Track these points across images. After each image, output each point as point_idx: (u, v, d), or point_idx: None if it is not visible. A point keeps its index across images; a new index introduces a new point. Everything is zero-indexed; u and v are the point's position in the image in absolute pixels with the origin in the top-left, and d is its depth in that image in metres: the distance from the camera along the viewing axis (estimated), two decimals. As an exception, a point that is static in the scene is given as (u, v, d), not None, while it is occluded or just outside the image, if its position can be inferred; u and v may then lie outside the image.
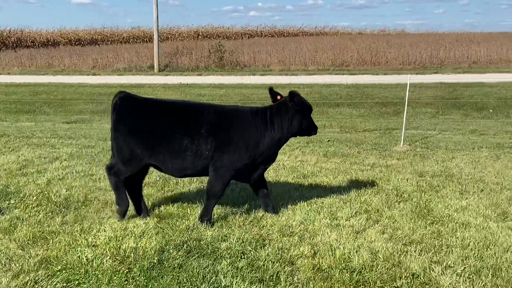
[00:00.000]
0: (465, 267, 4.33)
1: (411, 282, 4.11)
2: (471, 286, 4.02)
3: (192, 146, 5.18)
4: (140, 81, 24.49)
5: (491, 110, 14.83)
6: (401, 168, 8.07)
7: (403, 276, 4.19)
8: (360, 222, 5.44)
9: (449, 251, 4.70)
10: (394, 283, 4.10)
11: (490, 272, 4.24)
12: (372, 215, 5.70)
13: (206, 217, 5.38)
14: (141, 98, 5.51)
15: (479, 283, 4.07)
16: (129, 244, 4.73)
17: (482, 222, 5.46)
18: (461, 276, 4.17)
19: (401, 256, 4.58)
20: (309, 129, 5.62)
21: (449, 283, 4.06)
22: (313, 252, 4.66)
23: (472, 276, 4.18)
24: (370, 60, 31.81)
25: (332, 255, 4.59)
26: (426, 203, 6.13)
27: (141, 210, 5.62)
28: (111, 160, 5.50)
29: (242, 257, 4.56)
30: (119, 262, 4.40)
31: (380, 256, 4.57)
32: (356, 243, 4.86)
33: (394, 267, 4.37)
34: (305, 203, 6.11)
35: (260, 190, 5.74)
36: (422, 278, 4.17)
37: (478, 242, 4.88)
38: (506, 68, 28.53)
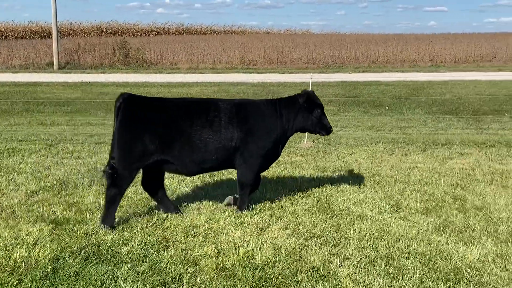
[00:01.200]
0: (361, 258, 4.54)
1: (311, 276, 4.23)
2: (366, 276, 4.22)
3: (214, 139, 5.37)
4: (38, 79, 23.07)
5: (387, 107, 15.77)
6: (304, 164, 8.31)
7: (304, 270, 4.31)
8: (264, 219, 5.52)
9: (347, 243, 4.90)
10: (295, 278, 4.20)
11: (384, 261, 4.48)
12: (276, 212, 5.80)
13: (244, 205, 5.77)
14: (147, 97, 5.67)
15: (373, 272, 4.28)
16: (20, 253, 4.42)
17: (377, 214, 5.77)
18: (357, 266, 4.37)
19: (303, 251, 4.70)
20: (319, 128, 5.88)
21: (347, 274, 4.24)
22: (217, 252, 4.65)
23: (367, 266, 4.39)
24: (276, 59, 32.52)
25: (236, 253, 4.61)
26: (327, 198, 6.36)
27: (170, 209, 5.69)
28: (107, 167, 5.26)
29: (144, 260, 4.44)
30: (8, 273, 4.09)
31: (283, 252, 4.66)
32: (260, 240, 4.92)
33: (296, 261, 4.48)
34: (210, 202, 6.08)
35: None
36: (321, 270, 4.31)
37: (374, 233, 5.14)
38: (400, 68, 30.51)
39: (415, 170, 7.94)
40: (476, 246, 4.82)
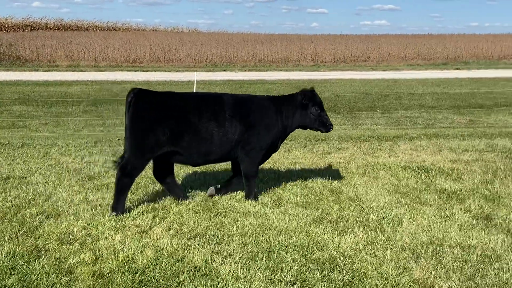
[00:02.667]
0: (243, 254, 4.61)
1: (193, 275, 4.21)
2: (248, 271, 4.30)
3: (219, 132, 5.73)
4: None
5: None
6: (189, 164, 8.24)
7: (186, 270, 4.27)
8: (146, 221, 5.39)
9: (230, 240, 4.95)
10: (177, 279, 4.15)
11: (264, 256, 4.60)
12: (159, 213, 5.69)
13: (251, 195, 6.18)
14: (157, 91, 5.97)
15: (254, 267, 4.37)
16: None
17: (260, 209, 5.89)
18: (239, 263, 4.43)
19: (185, 251, 4.66)
20: (318, 125, 6.23)
21: (228, 271, 4.27)
22: (94, 258, 4.44)
23: (249, 262, 4.47)
24: (163, 57, 32.03)
25: (115, 258, 4.44)
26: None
27: (180, 196, 6.07)
28: (120, 159, 5.70)
29: (12, 273, 4.10)
30: None
31: (165, 253, 4.58)
32: (141, 242, 4.79)
33: (178, 262, 4.43)
34: (89, 206, 5.81)
35: (236, 174, 6.40)
36: (203, 270, 4.31)
37: (256, 229, 5.25)
38: (285, 67, 31.63)
39: (297, 165, 8.25)
40: (349, 235, 5.12)
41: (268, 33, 50.34)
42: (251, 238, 5.00)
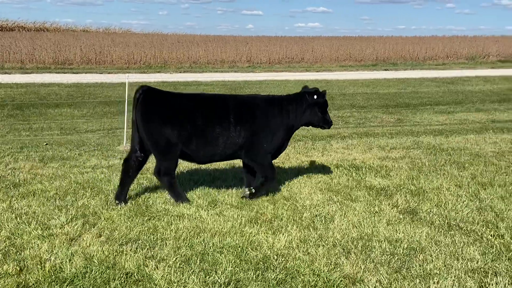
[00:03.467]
0: (176, 258, 4.56)
1: (124, 282, 4.11)
2: (181, 275, 4.25)
3: (224, 134, 5.86)
4: None
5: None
6: (122, 168, 8.04)
7: (117, 277, 4.16)
8: (75, 228, 5.20)
9: (164, 244, 4.88)
10: (108, 286, 4.04)
11: (199, 258, 4.57)
12: (89, 219, 5.51)
13: (260, 193, 6.29)
14: (165, 91, 6.10)
15: (188, 270, 4.33)
16: None
17: (194, 212, 5.85)
18: (172, 267, 4.37)
19: (117, 257, 4.54)
20: (323, 122, 6.43)
21: (161, 276, 4.21)
22: (19, 269, 4.23)
23: (183, 265, 4.42)
24: (95, 59, 31.07)
25: (41, 268, 4.25)
26: (145, 200, 6.26)
27: (125, 198, 6.08)
28: (133, 154, 5.96)
29: None
30: None
31: (95, 261, 4.44)
32: (70, 251, 4.62)
33: (109, 269, 4.30)
34: (14, 215, 5.52)
35: (249, 172, 6.51)
36: (136, 275, 4.22)
37: (190, 232, 5.20)
38: (220, 68, 31.62)
39: (233, 166, 8.26)
40: (283, 234, 5.19)
41: (204, 34, 50.17)
42: (185, 241, 4.95)
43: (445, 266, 4.46)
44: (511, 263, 4.49)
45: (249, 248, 4.81)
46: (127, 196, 6.18)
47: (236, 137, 5.98)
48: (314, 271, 4.38)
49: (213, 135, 5.89)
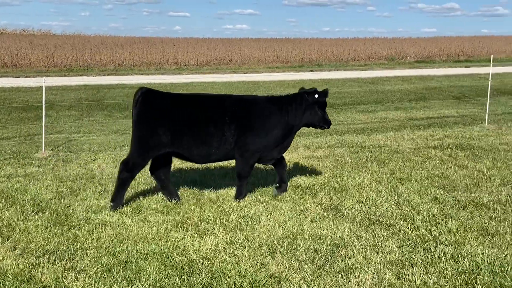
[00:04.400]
0: (98, 267, 4.40)
1: (41, 296, 3.91)
2: (103, 285, 4.11)
3: (217, 133, 5.90)
4: None
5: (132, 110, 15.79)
6: (41, 176, 7.67)
7: (33, 292, 3.95)
8: (-13, 242, 4.88)
9: (84, 254, 4.70)
10: (22, 302, 3.82)
11: (121, 267, 4.43)
12: (3, 231, 5.21)
13: (240, 196, 6.33)
14: (163, 91, 6.17)
15: (110, 280, 4.19)
16: None
17: (118, 219, 5.68)
18: (93, 277, 4.21)
19: (33, 270, 4.31)
20: (323, 122, 6.44)
21: (82, 287, 4.05)
22: None
23: (104, 275, 4.28)
24: (11, 62, 29.44)
25: None
26: (65, 209, 6.00)
27: (173, 196, 6.30)
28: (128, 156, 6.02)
29: None
30: None
31: (9, 275, 4.20)
32: (-20, 267, 4.33)
33: (24, 283, 4.08)
34: None
35: (278, 167, 6.61)
36: (54, 288, 4.02)
37: (113, 239, 5.04)
38: (147, 70, 31.02)
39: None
40: (209, 237, 5.16)
41: (129, 36, 48.89)
42: (107, 250, 4.79)
43: (365, 260, 4.63)
44: (426, 253, 4.73)
45: (175, 253, 4.74)
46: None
47: (231, 136, 6.00)
48: (240, 272, 4.39)
49: (208, 135, 5.94)
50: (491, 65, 13.90)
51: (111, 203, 5.98)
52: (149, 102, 5.93)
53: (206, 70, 32.39)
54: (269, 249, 4.90)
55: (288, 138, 6.47)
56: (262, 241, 5.08)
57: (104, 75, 27.60)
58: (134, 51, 35.11)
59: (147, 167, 6.39)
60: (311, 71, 32.11)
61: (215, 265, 4.53)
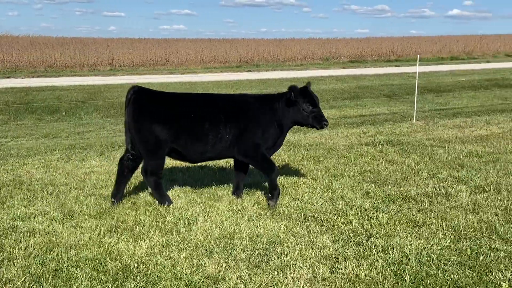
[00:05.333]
0: (25, 277, 4.21)
1: (-38, 312, 3.68)
2: (31, 295, 3.93)
3: (213, 131, 5.91)
4: None
5: (64, 113, 15.23)
6: (-37, 184, 7.23)
7: (-47, 307, 3.71)
8: None
9: (11, 264, 4.48)
10: None
11: (51, 276, 4.26)
12: None
13: (275, 191, 6.11)
14: (155, 90, 6.26)
15: (39, 290, 4.02)
16: None
17: (47, 226, 5.46)
18: (20, 287, 4.02)
19: (-47, 285, 4.05)
20: (313, 121, 6.12)
21: (7, 299, 3.85)
22: None
23: (32, 285, 4.10)
24: None
25: None
26: (-10, 218, 5.69)
27: (121, 197, 6.31)
28: (126, 154, 6.14)
29: None
30: None
31: None
32: None
33: None
34: None
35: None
36: (-24, 303, 3.80)
37: (42, 248, 4.84)
38: (80, 72, 30.01)
39: (92, 174, 7.88)
40: (144, 240, 5.06)
41: (60, 37, 47.11)
42: (36, 259, 4.59)
43: (300, 256, 4.70)
44: (358, 247, 4.88)
45: (108, 259, 4.61)
46: (122, 196, 6.36)
47: (226, 134, 5.98)
48: (176, 275, 4.34)
49: (203, 132, 5.93)
50: (417, 64, 14.56)
51: (162, 205, 6.10)
52: (142, 101, 5.96)
53: (142, 71, 31.78)
54: (206, 249, 4.88)
55: (280, 137, 6.40)
56: (199, 242, 5.05)
57: (33, 77, 26.41)
58: (66, 52, 33.88)
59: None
60: (248, 71, 32.28)
61: (150, 268, 4.45)
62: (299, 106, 6.14)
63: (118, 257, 4.68)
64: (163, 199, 6.16)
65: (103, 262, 4.54)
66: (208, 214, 5.87)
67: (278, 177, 6.36)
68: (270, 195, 6.18)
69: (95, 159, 9.08)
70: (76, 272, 4.33)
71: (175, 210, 6.03)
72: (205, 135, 6.02)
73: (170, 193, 6.74)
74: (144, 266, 4.50)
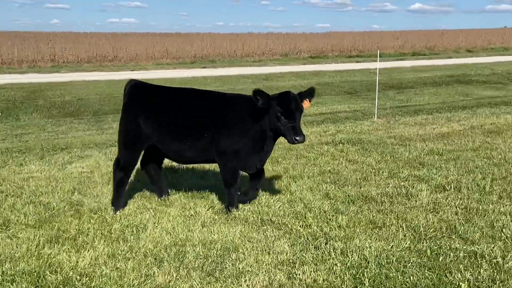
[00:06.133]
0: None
1: None
2: (-40, 315, 3.78)
3: (191, 130, 5.89)
4: None
5: (1, 113, 14.73)
6: None
7: None
8: None
9: None
10: None
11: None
12: None
13: (232, 206, 6.05)
14: (150, 84, 6.35)
15: (-31, 308, 3.87)
16: None
17: (-20, 238, 5.26)
18: None
19: None
20: (285, 133, 5.60)
21: None
22: None
23: (-39, 303, 3.94)
24: None
25: None
26: None
27: (163, 192, 6.61)
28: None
29: None
30: None
31: None
32: None
33: None
34: None
35: (254, 180, 6.33)
36: None
37: (-27, 262, 4.66)
38: (19, 69, 29.16)
39: (30, 180, 7.65)
40: (88, 251, 4.96)
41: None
42: (-34, 275, 4.41)
43: (256, 262, 4.72)
44: (316, 251, 4.94)
45: (47, 272, 4.50)
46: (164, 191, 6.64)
47: (205, 133, 5.89)
48: (122, 286, 4.27)
49: (182, 130, 5.94)
50: (378, 60, 14.89)
51: (112, 207, 6.14)
52: (134, 95, 6.19)
53: (88, 68, 31.12)
54: (156, 258, 4.82)
55: (266, 144, 5.97)
56: (148, 250, 4.99)
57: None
58: (2, 47, 32.80)
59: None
60: (203, 67, 32.15)
61: (95, 281, 4.37)
62: (272, 114, 5.67)
63: (59, 269, 4.57)
64: (116, 201, 6.19)
65: (42, 275, 4.42)
66: (158, 221, 5.81)
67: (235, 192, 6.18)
68: (226, 209, 6.11)
69: (34, 164, 8.82)
70: (12, 287, 4.19)
71: (123, 217, 5.94)
72: (180, 133, 5.99)
73: (117, 198, 6.63)
74: (88, 278, 4.41)
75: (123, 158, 6.17)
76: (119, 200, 6.19)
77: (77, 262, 4.72)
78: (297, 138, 5.51)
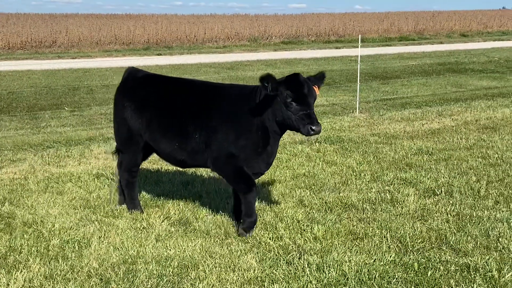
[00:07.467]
0: None
1: None
2: None
3: (178, 126, 5.81)
4: None
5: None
6: None
7: None
8: None
9: None
10: None
11: None
12: None
13: (249, 218, 5.71)
14: (145, 73, 6.41)
15: None
16: None
17: None
18: None
19: None
20: (296, 123, 5.29)
21: None
22: None
23: None
24: None
25: None
26: None
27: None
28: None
29: None
30: None
31: None
32: None
33: None
34: None
35: None
36: None
37: None
38: None
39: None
40: (21, 271, 4.90)
41: None
42: None
43: (219, 281, 4.75)
44: (288, 266, 4.99)
45: (-28, 298, 4.42)
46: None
47: (193, 132, 5.75)
48: (62, 313, 4.23)
49: (170, 127, 5.92)
50: (359, 46, 15.08)
51: (129, 211, 6.45)
52: (128, 84, 6.32)
53: (20, 56, 30.64)
54: (101, 279, 4.82)
55: (270, 142, 5.72)
56: (92, 270, 4.97)
57: None
58: None
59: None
60: (158, 54, 32.03)
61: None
62: (284, 102, 5.34)
63: (-14, 294, 4.50)
64: (130, 204, 6.48)
65: (-36, 302, 4.34)
66: (104, 235, 5.79)
67: (256, 200, 6.00)
68: (242, 220, 5.81)
69: (-43, 169, 8.65)
70: None
71: (62, 231, 5.89)
72: (169, 131, 5.96)
73: (56, 208, 6.57)
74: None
75: (124, 159, 6.46)
76: (132, 202, 6.48)
77: (8, 285, 4.66)
78: (314, 128, 5.22)
